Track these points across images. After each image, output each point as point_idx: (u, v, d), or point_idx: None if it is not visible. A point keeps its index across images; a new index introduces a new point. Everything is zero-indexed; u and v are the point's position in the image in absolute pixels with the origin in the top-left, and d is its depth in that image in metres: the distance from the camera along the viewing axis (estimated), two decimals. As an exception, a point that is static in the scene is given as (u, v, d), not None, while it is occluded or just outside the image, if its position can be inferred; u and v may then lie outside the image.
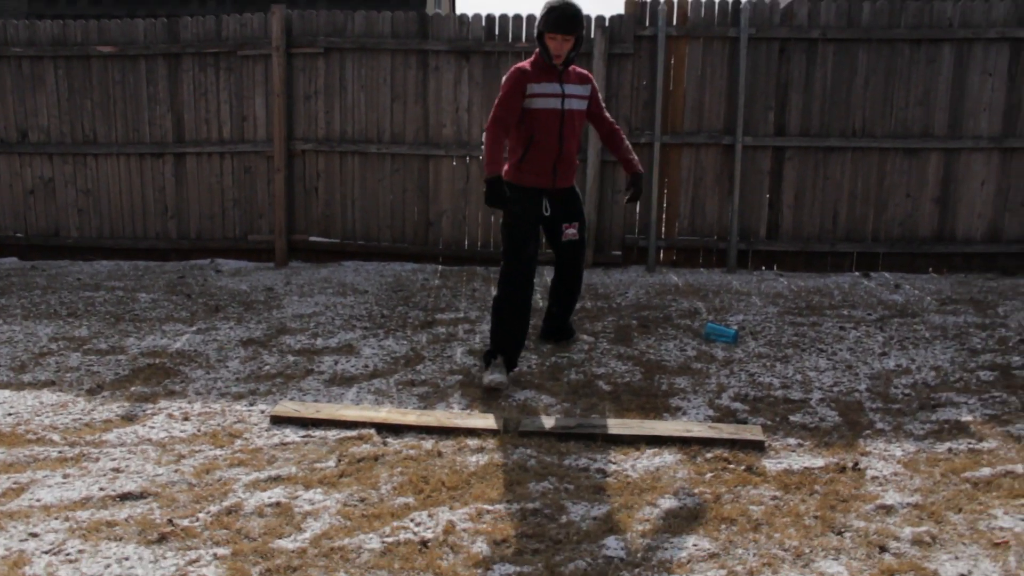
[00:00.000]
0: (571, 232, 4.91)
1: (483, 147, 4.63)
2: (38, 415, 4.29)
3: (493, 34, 7.56)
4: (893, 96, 7.37)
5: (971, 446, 3.87)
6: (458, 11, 23.73)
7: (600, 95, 5.07)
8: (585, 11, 9.28)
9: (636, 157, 5.02)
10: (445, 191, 7.78)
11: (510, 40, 7.51)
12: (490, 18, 7.56)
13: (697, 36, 7.41)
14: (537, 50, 4.71)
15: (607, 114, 5.07)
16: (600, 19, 7.38)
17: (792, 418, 4.24)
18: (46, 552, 2.98)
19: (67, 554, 2.97)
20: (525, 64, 4.74)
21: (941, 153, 7.41)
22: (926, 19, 7.25)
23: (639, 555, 2.99)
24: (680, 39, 7.43)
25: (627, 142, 5.05)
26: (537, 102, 4.69)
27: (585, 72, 4.94)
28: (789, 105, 7.44)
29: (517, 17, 7.52)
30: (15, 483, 3.50)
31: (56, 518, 3.21)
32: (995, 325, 5.79)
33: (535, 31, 4.73)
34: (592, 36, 7.36)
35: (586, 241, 5.17)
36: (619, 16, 7.42)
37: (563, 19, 4.59)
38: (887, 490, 3.45)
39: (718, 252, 7.66)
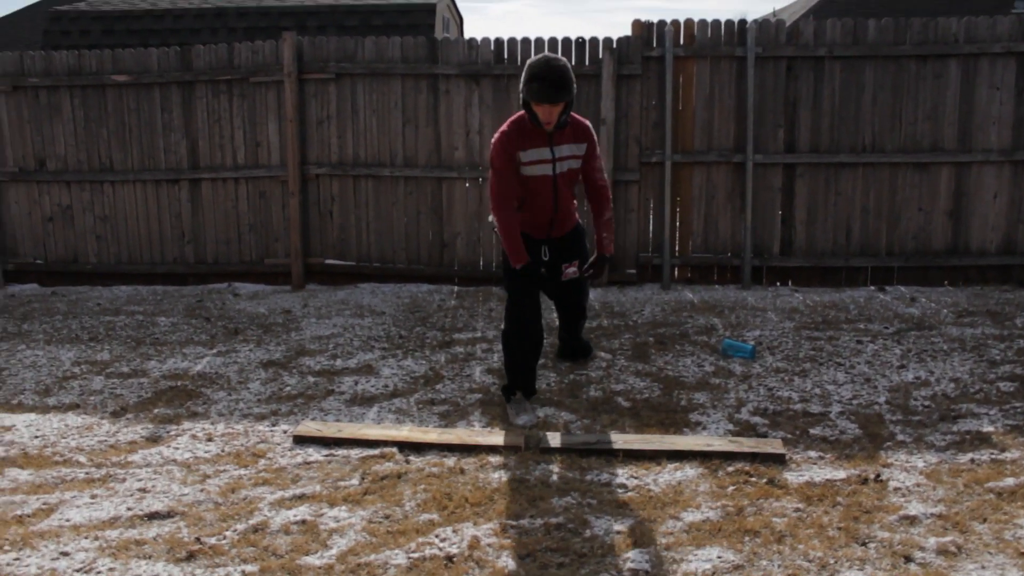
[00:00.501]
0: (571, 271, 4.73)
1: (496, 231, 4.38)
2: (64, 437, 4.33)
3: (502, 58, 7.64)
4: (902, 111, 7.41)
5: (993, 456, 3.88)
6: (466, 35, 23.95)
7: (598, 151, 4.57)
8: (593, 34, 9.26)
9: (611, 235, 4.60)
10: (459, 213, 7.84)
11: (519, 63, 7.58)
12: (499, 42, 7.65)
13: (704, 56, 7.47)
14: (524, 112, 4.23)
15: (600, 174, 4.59)
16: (608, 41, 7.45)
17: (812, 431, 4.25)
18: (77, 571, 3.01)
19: (98, 572, 3.00)
20: (509, 128, 4.30)
21: (952, 167, 7.43)
22: (931, 35, 7.30)
23: (664, 568, 3.00)
24: (687, 59, 7.50)
25: (610, 213, 4.61)
26: (526, 169, 4.33)
27: (584, 126, 4.44)
28: (798, 122, 7.49)
29: (525, 40, 7.60)
30: (44, 504, 3.54)
31: (86, 537, 3.25)
32: (1013, 336, 5.79)
33: (520, 96, 4.22)
34: (600, 58, 7.43)
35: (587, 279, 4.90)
36: (627, 38, 7.49)
37: (546, 90, 4.04)
38: (910, 501, 3.46)
39: (732, 269, 7.68)
